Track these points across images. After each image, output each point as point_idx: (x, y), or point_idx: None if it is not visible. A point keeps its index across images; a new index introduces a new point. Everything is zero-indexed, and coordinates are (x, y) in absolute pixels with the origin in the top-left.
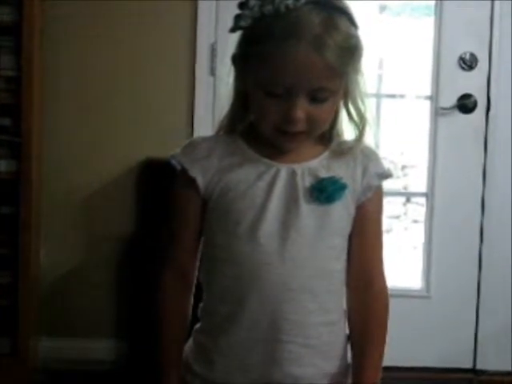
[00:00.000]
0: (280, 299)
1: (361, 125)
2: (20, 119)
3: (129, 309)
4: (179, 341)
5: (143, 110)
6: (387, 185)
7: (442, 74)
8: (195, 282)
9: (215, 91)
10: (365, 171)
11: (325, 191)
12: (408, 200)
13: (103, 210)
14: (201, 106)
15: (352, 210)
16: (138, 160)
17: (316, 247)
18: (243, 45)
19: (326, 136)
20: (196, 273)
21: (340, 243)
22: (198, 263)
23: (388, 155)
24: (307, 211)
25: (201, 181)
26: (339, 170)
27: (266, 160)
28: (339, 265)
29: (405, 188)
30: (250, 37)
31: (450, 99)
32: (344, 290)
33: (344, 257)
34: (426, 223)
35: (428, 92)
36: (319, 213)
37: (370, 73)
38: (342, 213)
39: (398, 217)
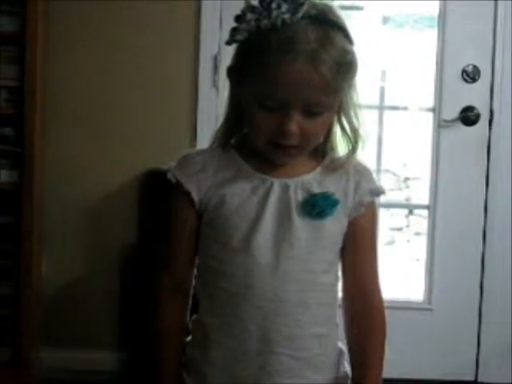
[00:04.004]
0: (272, 311)
1: (354, 139)
2: (22, 129)
3: (130, 320)
4: (177, 353)
5: (145, 120)
6: (390, 197)
7: (444, 86)
8: (192, 293)
9: (218, 103)
10: (357, 187)
11: (317, 206)
12: (410, 212)
13: (105, 220)
14: (204, 117)
15: (344, 226)
16: (140, 171)
17: (308, 261)
18: (239, 58)
19: (320, 151)
20: (193, 284)
21: (332, 257)
22: (194, 275)
23: (390, 167)
24: (300, 225)
25: (196, 194)
26: (332, 186)
27: (260, 174)
28: (331, 278)
29: (407, 200)
30: (246, 50)
31: (452, 111)
32: (336, 302)
33: (336, 270)
34: (428, 235)
35: (431, 104)
36: (311, 227)
37: (372, 84)
38: (334, 228)
39: (400, 229)
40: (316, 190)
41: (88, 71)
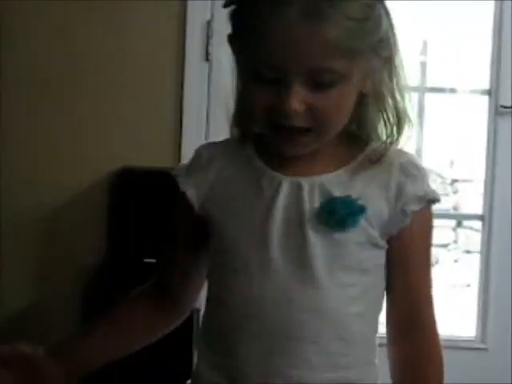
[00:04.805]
0: (274, 349)
1: (394, 125)
2: None
3: None
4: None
5: (119, 108)
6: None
7: (503, 64)
8: (183, 307)
9: (211, 81)
10: (400, 192)
11: (335, 214)
12: (459, 224)
13: (66, 233)
14: (192, 100)
15: (377, 239)
16: (112, 170)
17: (324, 285)
18: (233, 19)
19: (356, 140)
20: (186, 296)
21: (360, 280)
22: (192, 285)
23: (434, 166)
24: (314, 239)
25: (193, 195)
26: (364, 189)
27: (271, 171)
28: (360, 307)
29: (455, 209)
30: (239, 7)
31: None
32: (370, 339)
33: (371, 297)
34: (482, 254)
35: (486, 86)
36: (330, 241)
37: (410, 60)
38: (360, 242)
39: (446, 245)
40: (338, 192)
41: (48, 56)
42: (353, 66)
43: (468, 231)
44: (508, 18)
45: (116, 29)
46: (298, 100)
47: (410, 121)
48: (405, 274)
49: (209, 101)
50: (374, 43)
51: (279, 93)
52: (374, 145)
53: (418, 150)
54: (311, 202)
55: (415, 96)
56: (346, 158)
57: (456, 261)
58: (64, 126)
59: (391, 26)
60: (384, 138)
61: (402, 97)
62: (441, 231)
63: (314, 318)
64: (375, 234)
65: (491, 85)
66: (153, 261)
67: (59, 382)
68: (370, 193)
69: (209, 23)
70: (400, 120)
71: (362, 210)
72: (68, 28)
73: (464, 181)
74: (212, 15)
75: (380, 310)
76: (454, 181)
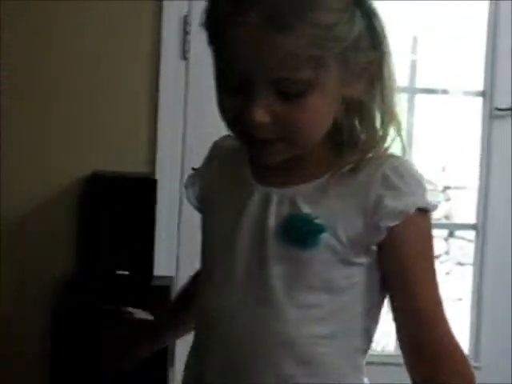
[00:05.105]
0: (231, 365)
1: (378, 132)
2: None
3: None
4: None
5: (89, 108)
6: None
7: (498, 64)
8: None
9: (188, 80)
10: (377, 205)
11: (295, 232)
12: (451, 234)
13: (36, 241)
14: (168, 100)
15: (348, 256)
16: (82, 175)
17: (281, 305)
18: (205, 25)
19: (343, 149)
20: None
21: (327, 300)
22: None
23: (424, 172)
24: (275, 255)
25: (191, 192)
26: (338, 202)
27: (251, 178)
28: (328, 328)
29: (447, 217)
30: (208, 14)
31: (508, 97)
32: (348, 359)
33: (342, 317)
34: (475, 266)
35: (480, 87)
36: (291, 259)
37: (399, 58)
38: (327, 261)
39: (437, 257)
40: (308, 206)
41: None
42: (322, 74)
43: (460, 242)
44: (504, 16)
45: (86, 25)
46: (262, 111)
47: (398, 125)
48: (402, 291)
49: (186, 102)
50: (345, 48)
51: (244, 101)
52: (358, 153)
53: (408, 154)
54: (279, 215)
55: (405, 97)
56: (326, 168)
57: (448, 273)
58: (29, 128)
59: (373, 27)
60: (369, 145)
61: (389, 100)
62: None
63: (269, 338)
64: (346, 250)
65: (485, 86)
66: (126, 273)
67: (149, 350)
68: (345, 205)
69: (186, 18)
70: (385, 126)
71: (321, 229)
72: (35, 27)
73: (456, 188)
74: (189, 10)
75: (361, 328)
76: (446, 188)
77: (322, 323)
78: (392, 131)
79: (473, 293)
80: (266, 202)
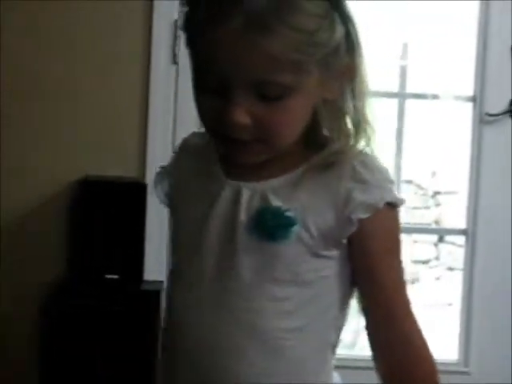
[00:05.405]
0: (203, 361)
1: (352, 132)
2: None
3: None
4: None
5: (80, 113)
6: (413, 218)
7: (489, 69)
8: None
9: (179, 85)
10: (348, 199)
11: (265, 225)
12: (441, 239)
13: (26, 245)
14: (158, 104)
15: (318, 249)
16: (73, 179)
17: (252, 298)
18: (184, 25)
19: (314, 146)
20: None
21: (296, 293)
22: None
23: (414, 177)
24: (245, 249)
25: (160, 189)
26: (309, 195)
27: (221, 172)
28: (297, 321)
29: (437, 223)
30: (188, 14)
31: (499, 102)
32: (318, 353)
33: (312, 310)
34: (465, 271)
35: (470, 92)
36: (261, 252)
37: (389, 64)
38: (297, 253)
39: (427, 262)
40: (278, 200)
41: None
42: (302, 78)
43: (450, 247)
44: (494, 22)
45: (76, 30)
46: (241, 112)
47: (371, 127)
48: (368, 286)
49: (176, 106)
50: (326, 54)
51: (224, 104)
52: (329, 150)
53: (398, 160)
54: (249, 209)
55: (395, 102)
56: (297, 163)
57: (438, 278)
58: (20, 132)
59: (350, 33)
60: (340, 143)
61: (361, 102)
62: (421, 247)
63: (240, 330)
64: (316, 244)
65: (476, 91)
66: (116, 277)
67: None
68: (316, 199)
69: (176, 23)
70: (357, 125)
71: (292, 222)
72: (26, 28)
73: (446, 193)
74: (180, 13)
75: (330, 322)
76: (436, 193)
77: (291, 316)
78: (363, 130)
79: (463, 298)
80: (236, 196)
